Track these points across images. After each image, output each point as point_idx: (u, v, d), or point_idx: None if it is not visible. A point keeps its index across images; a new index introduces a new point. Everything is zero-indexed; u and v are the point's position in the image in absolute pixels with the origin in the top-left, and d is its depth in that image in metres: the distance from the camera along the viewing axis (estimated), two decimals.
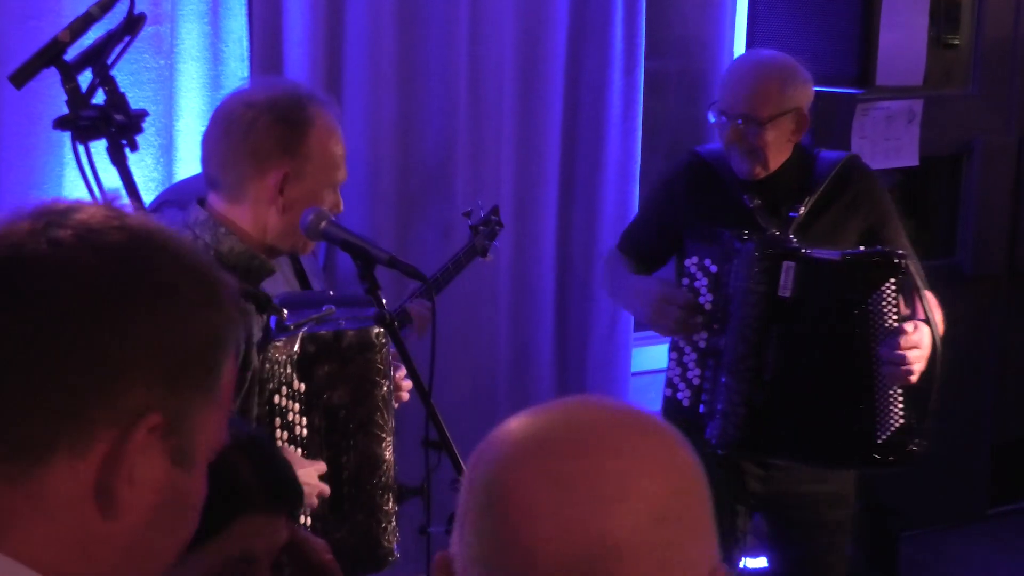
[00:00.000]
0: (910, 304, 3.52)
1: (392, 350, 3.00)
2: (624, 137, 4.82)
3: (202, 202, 2.84)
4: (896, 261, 3.50)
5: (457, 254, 3.76)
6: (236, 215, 2.83)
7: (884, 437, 3.54)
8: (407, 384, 3.10)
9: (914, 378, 3.48)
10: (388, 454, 2.93)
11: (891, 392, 3.52)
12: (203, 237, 2.71)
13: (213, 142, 2.82)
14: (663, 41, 5.02)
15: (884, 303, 3.49)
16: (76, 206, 1.23)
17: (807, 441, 3.60)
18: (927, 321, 3.52)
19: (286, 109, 2.82)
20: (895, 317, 3.49)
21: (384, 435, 2.93)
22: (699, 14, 5.21)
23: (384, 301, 2.92)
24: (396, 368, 3.09)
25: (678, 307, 3.59)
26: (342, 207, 3.00)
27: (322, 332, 2.91)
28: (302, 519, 2.89)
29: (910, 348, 3.45)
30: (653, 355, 5.02)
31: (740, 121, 3.65)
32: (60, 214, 1.21)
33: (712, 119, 3.76)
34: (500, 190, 4.67)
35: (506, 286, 4.74)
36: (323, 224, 3.05)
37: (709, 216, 3.72)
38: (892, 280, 3.48)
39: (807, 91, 3.75)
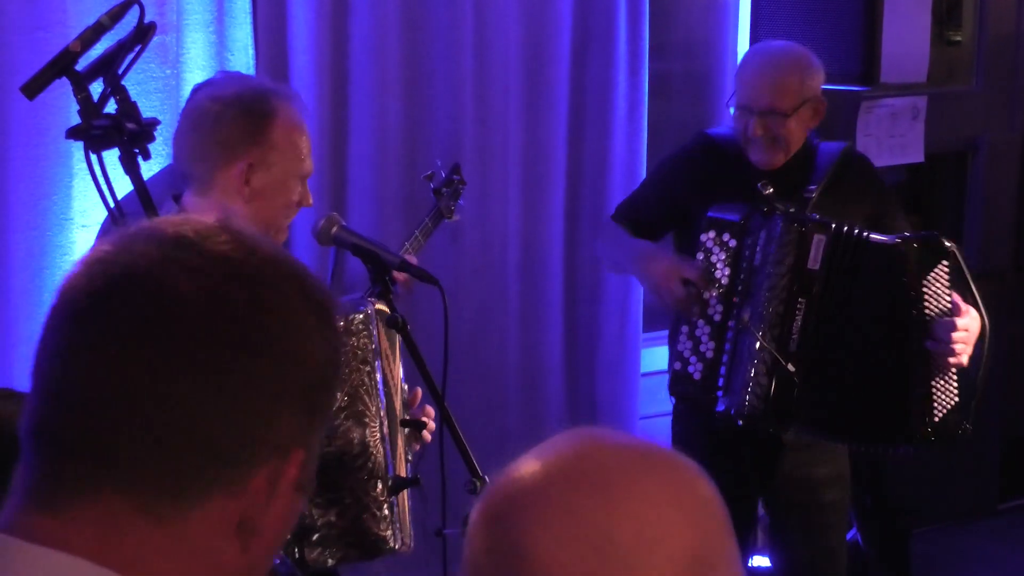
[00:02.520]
0: (959, 289, 3.56)
1: (390, 352, 3.01)
2: (629, 139, 4.83)
3: (177, 198, 2.89)
4: (948, 245, 3.55)
5: (423, 220, 3.71)
6: (205, 207, 2.88)
7: (938, 417, 3.57)
8: (431, 423, 3.09)
9: (966, 360, 3.52)
10: (374, 439, 2.91)
11: (945, 374, 3.56)
12: None
13: (182, 137, 2.90)
14: (667, 43, 5.02)
15: (938, 286, 3.53)
16: (195, 227, 1.18)
17: (840, 416, 3.62)
18: (976, 305, 3.57)
19: (251, 101, 2.90)
20: (948, 300, 3.54)
21: (368, 420, 2.91)
22: (702, 16, 5.22)
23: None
24: (413, 396, 3.08)
25: (690, 282, 3.59)
26: (311, 200, 3.05)
27: None
28: None
29: (964, 331, 3.49)
30: (662, 356, 5.02)
31: (763, 114, 3.69)
32: (187, 240, 1.15)
33: (732, 112, 3.80)
34: (507, 193, 4.67)
35: (515, 289, 4.74)
36: (334, 229, 3.07)
37: (719, 195, 3.74)
38: (945, 263, 3.53)
39: (821, 78, 3.82)
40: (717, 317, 3.63)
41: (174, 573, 1.10)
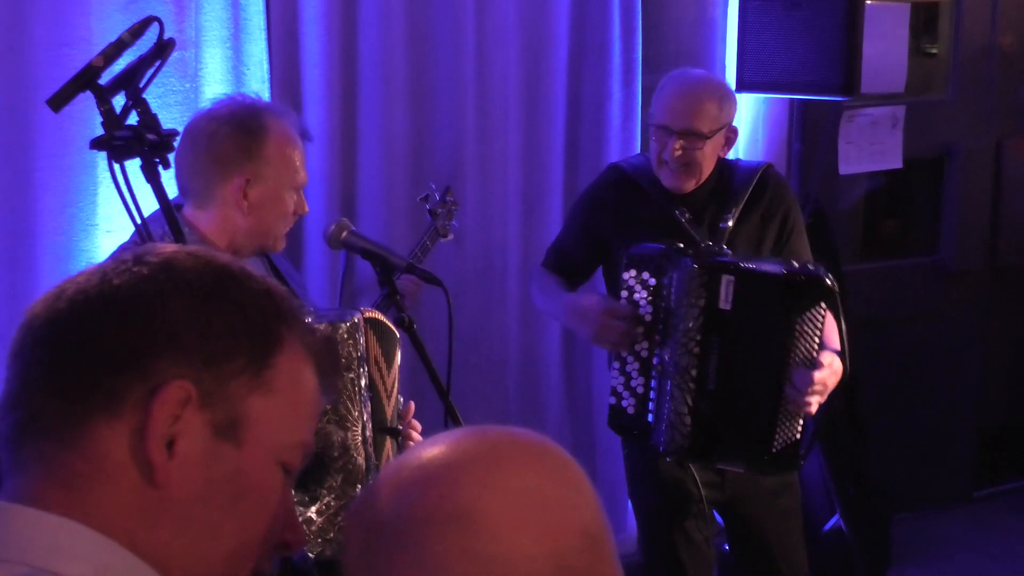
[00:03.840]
0: (831, 330, 3.42)
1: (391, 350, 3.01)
2: (623, 147, 4.82)
3: (178, 208, 2.91)
4: (829, 284, 3.35)
5: (422, 239, 3.72)
6: (203, 219, 2.93)
7: (775, 450, 3.43)
8: (416, 436, 3.07)
9: (812, 410, 3.38)
10: (355, 442, 2.90)
11: (792, 417, 3.42)
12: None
13: (182, 154, 2.91)
14: (658, 56, 5.01)
15: (810, 325, 3.36)
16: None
17: (735, 445, 3.48)
18: (843, 350, 3.42)
19: (244, 119, 2.93)
20: (816, 341, 3.37)
21: (350, 423, 2.90)
22: (692, 30, 5.21)
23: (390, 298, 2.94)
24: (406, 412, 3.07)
25: (621, 321, 3.50)
26: (307, 208, 3.08)
27: None
28: None
29: (820, 384, 3.34)
30: None
31: (683, 135, 3.61)
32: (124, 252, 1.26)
33: (651, 129, 3.71)
34: (507, 200, 4.67)
35: (514, 290, 4.74)
36: (345, 234, 3.07)
37: (637, 227, 3.67)
38: (822, 304, 3.36)
39: (735, 108, 3.76)
40: (644, 353, 3.53)
41: (105, 498, 1.17)
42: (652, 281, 3.50)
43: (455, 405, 3.02)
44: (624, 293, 3.54)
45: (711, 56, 5.17)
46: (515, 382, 4.79)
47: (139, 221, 2.34)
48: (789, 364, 3.36)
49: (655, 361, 3.50)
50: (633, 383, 3.56)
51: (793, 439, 3.44)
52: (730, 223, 3.66)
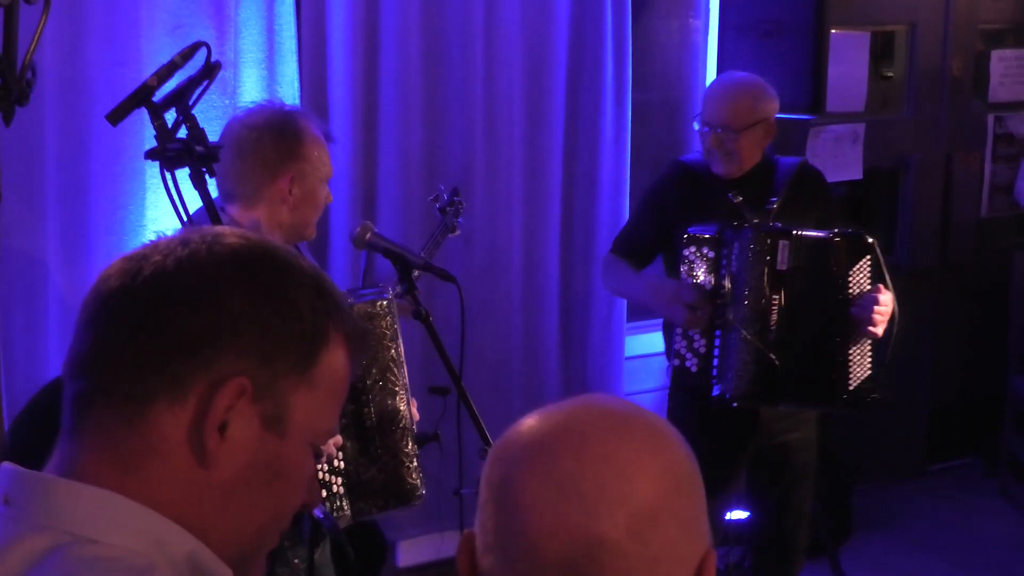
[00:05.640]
0: (878, 278, 3.63)
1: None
2: (616, 158, 4.82)
3: (222, 210, 2.91)
4: (869, 241, 3.63)
5: (434, 234, 3.71)
6: (250, 218, 2.94)
7: (853, 385, 3.63)
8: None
9: (881, 331, 3.58)
10: (403, 405, 2.93)
11: (861, 347, 3.63)
12: None
13: (227, 163, 2.86)
14: (647, 76, 5.01)
15: (861, 275, 3.61)
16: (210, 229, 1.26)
17: (804, 388, 3.64)
18: (889, 290, 3.63)
19: (282, 125, 2.96)
20: (868, 287, 3.62)
21: (398, 389, 2.93)
22: (677, 54, 5.21)
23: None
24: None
25: (690, 301, 3.62)
26: (331, 197, 3.12)
27: None
28: (336, 463, 2.89)
29: (883, 305, 3.56)
30: (643, 342, 5.02)
31: (720, 130, 3.74)
32: (194, 232, 1.23)
33: (696, 128, 3.86)
34: (511, 204, 4.67)
35: (518, 285, 4.73)
36: (368, 235, 3.07)
37: (700, 212, 3.77)
38: (868, 257, 3.61)
39: (774, 105, 3.85)
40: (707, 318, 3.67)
41: (155, 475, 1.16)
42: (711, 254, 3.65)
43: (465, 388, 3.02)
44: (684, 267, 3.68)
45: (693, 77, 5.17)
46: (518, 367, 4.78)
47: (187, 222, 2.34)
48: (848, 310, 3.60)
49: (717, 322, 3.63)
50: (695, 344, 3.69)
51: (866, 374, 3.64)
52: (775, 204, 3.76)
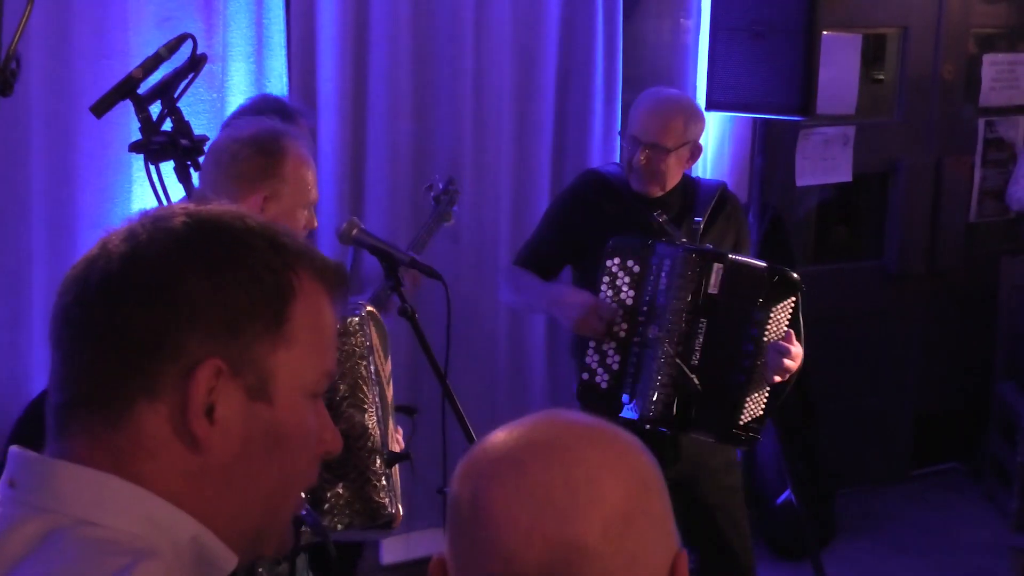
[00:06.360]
0: (794, 324, 3.50)
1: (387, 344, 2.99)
2: (605, 156, 4.80)
3: None
4: (800, 282, 3.49)
5: (427, 222, 3.68)
6: None
7: (744, 422, 3.49)
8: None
9: (778, 379, 3.44)
10: (372, 423, 2.86)
11: (760, 388, 3.48)
12: None
13: (206, 171, 2.80)
14: (637, 76, 5.00)
15: (782, 314, 3.47)
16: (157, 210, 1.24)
17: (706, 416, 3.50)
18: (800, 342, 3.49)
19: (264, 141, 2.85)
20: (785, 328, 3.47)
21: (366, 406, 2.88)
22: (667, 54, 5.21)
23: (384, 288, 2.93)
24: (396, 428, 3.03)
25: (605, 316, 3.48)
26: (315, 224, 3.00)
27: None
28: None
29: (791, 360, 3.42)
30: None
31: (648, 148, 3.63)
32: (137, 221, 1.21)
33: (619, 141, 3.77)
34: (499, 203, 4.67)
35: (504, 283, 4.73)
36: (354, 231, 3.06)
37: (614, 227, 3.64)
38: (793, 299, 3.48)
39: (702, 127, 3.77)
40: (622, 334, 3.52)
41: (148, 471, 1.15)
42: (636, 268, 3.51)
43: (450, 386, 3.01)
44: (606, 279, 3.53)
45: (683, 78, 5.16)
46: (503, 364, 4.78)
47: None
48: (764, 345, 3.44)
49: (635, 339, 3.49)
50: (608, 360, 3.54)
51: (757, 415, 3.50)
52: (701, 225, 3.67)
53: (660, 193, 3.70)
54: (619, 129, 4.83)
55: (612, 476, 1.17)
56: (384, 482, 2.86)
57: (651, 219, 3.65)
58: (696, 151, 3.73)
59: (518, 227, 4.71)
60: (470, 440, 2.84)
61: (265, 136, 2.89)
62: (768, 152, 5.13)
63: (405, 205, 4.45)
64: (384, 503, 2.84)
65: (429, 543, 4.56)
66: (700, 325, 3.45)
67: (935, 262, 5.83)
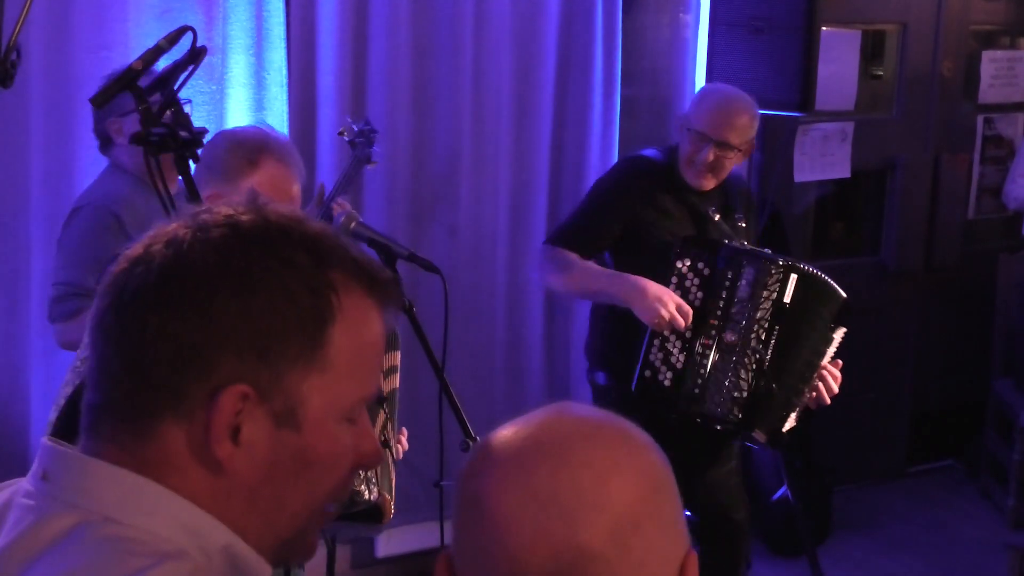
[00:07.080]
0: (840, 353, 3.75)
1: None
2: (603, 152, 4.82)
3: None
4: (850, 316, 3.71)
5: (346, 170, 3.53)
6: None
7: (787, 428, 3.68)
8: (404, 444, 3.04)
9: (828, 399, 3.68)
10: (376, 425, 2.87)
11: (803, 401, 3.67)
12: None
13: (198, 168, 2.76)
14: (636, 72, 5.01)
15: (837, 336, 3.71)
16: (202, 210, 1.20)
17: (771, 421, 3.65)
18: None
19: (246, 144, 2.80)
20: (833, 352, 3.71)
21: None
22: (667, 49, 5.21)
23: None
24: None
25: (684, 315, 3.54)
26: None
27: None
28: None
29: (836, 388, 3.69)
30: None
31: (719, 146, 3.70)
32: (181, 225, 1.18)
33: (687, 134, 3.75)
34: (498, 196, 4.67)
35: (503, 278, 4.74)
36: (353, 225, 3.06)
37: (666, 215, 3.75)
38: (844, 329, 3.70)
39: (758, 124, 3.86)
40: (688, 334, 3.60)
41: (174, 485, 1.14)
42: (707, 271, 3.61)
43: (448, 380, 3.02)
44: (674, 279, 3.61)
45: (683, 73, 5.17)
46: (501, 360, 4.79)
47: (171, 207, 2.34)
48: (820, 363, 3.66)
49: (701, 340, 3.59)
50: (672, 359, 3.62)
51: (793, 424, 3.68)
52: (743, 223, 3.82)
53: (712, 187, 3.79)
54: (617, 128, 4.84)
55: (620, 479, 1.14)
56: (363, 474, 2.85)
57: (705, 212, 3.76)
58: (751, 148, 3.84)
59: (516, 221, 4.72)
60: (467, 434, 2.85)
61: (250, 141, 2.83)
62: (767, 148, 5.14)
63: (403, 199, 4.46)
64: (360, 491, 2.83)
65: (425, 536, 4.57)
66: (774, 332, 3.58)
67: (933, 259, 5.84)
